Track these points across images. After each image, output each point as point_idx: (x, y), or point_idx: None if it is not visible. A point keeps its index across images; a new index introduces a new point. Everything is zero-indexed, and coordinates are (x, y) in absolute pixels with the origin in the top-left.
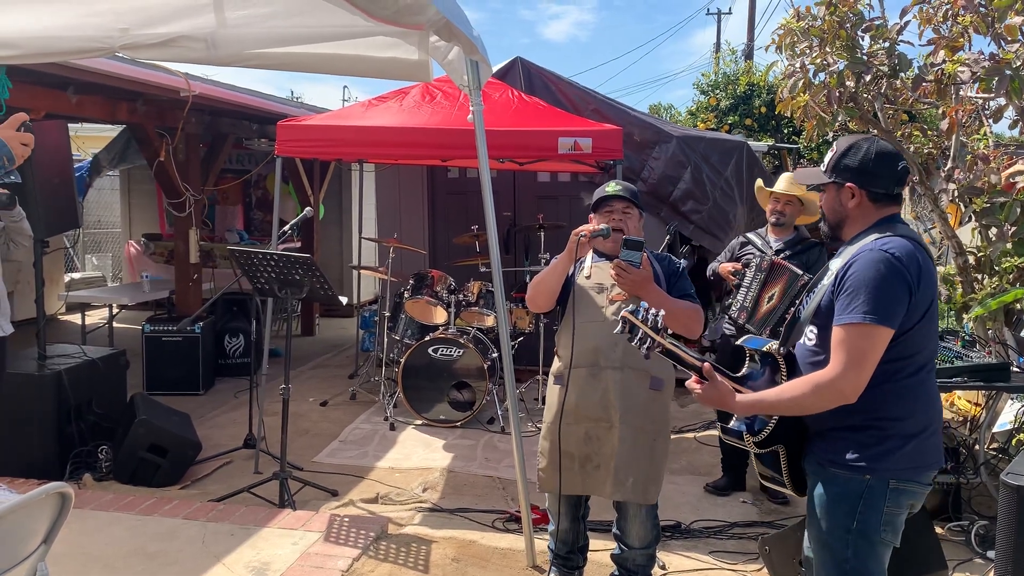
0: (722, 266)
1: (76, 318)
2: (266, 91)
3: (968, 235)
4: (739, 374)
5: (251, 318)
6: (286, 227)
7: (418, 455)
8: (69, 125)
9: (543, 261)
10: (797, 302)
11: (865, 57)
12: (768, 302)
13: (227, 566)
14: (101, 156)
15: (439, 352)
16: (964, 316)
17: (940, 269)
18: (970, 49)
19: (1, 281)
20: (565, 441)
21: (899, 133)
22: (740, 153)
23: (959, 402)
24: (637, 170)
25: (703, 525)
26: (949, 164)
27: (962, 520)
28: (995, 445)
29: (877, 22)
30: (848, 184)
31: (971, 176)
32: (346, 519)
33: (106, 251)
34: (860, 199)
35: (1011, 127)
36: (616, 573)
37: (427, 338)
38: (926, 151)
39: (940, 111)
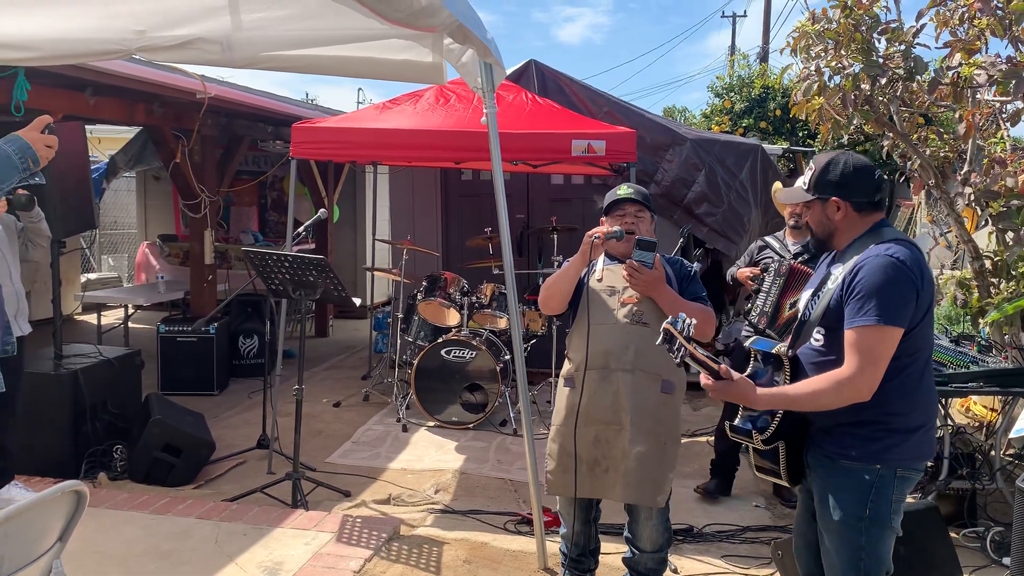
0: (740, 271)
1: (92, 318)
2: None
3: (984, 239)
4: (745, 374)
5: (265, 319)
6: (300, 229)
7: (430, 457)
8: (86, 126)
9: (556, 263)
10: (803, 307)
11: (881, 60)
12: (790, 308)
13: (240, 566)
14: (118, 157)
15: (452, 354)
16: (980, 321)
17: (956, 273)
18: (987, 52)
19: (20, 281)
20: (574, 444)
21: (915, 136)
22: (755, 156)
23: (975, 407)
24: (651, 173)
25: (715, 529)
26: (965, 168)
27: (977, 526)
28: (1011, 451)
29: (893, 25)
30: (833, 198)
31: (988, 180)
32: (358, 520)
33: (122, 252)
34: (845, 211)
35: None
36: None
37: (440, 340)
38: (942, 154)
39: (957, 114)
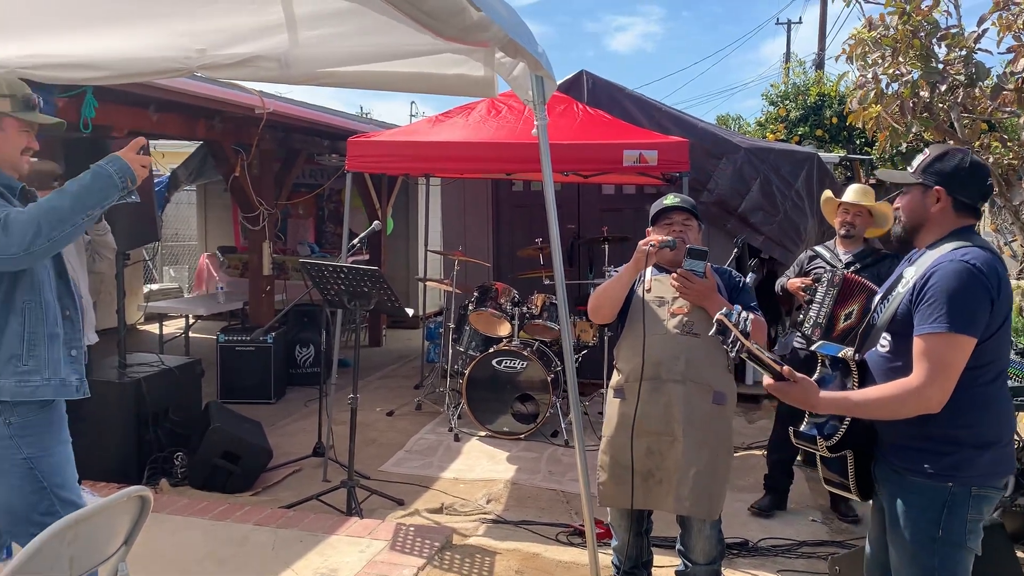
0: (790, 282)
1: (154, 328)
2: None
3: None
4: (812, 379)
5: (321, 329)
6: (355, 240)
7: (482, 466)
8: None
9: (607, 274)
10: (871, 310)
11: (941, 66)
12: (845, 320)
13: (296, 572)
14: (179, 171)
15: (503, 364)
16: None
17: (1021, 283)
18: None
19: (87, 292)
20: (626, 455)
21: (977, 143)
22: (810, 164)
23: None
24: (703, 182)
25: (771, 543)
26: None
27: None
28: None
29: (953, 30)
30: (936, 187)
31: None
32: (411, 528)
33: (183, 263)
34: (945, 204)
35: None
36: None
37: (491, 350)
38: (1006, 162)
39: (1021, 120)
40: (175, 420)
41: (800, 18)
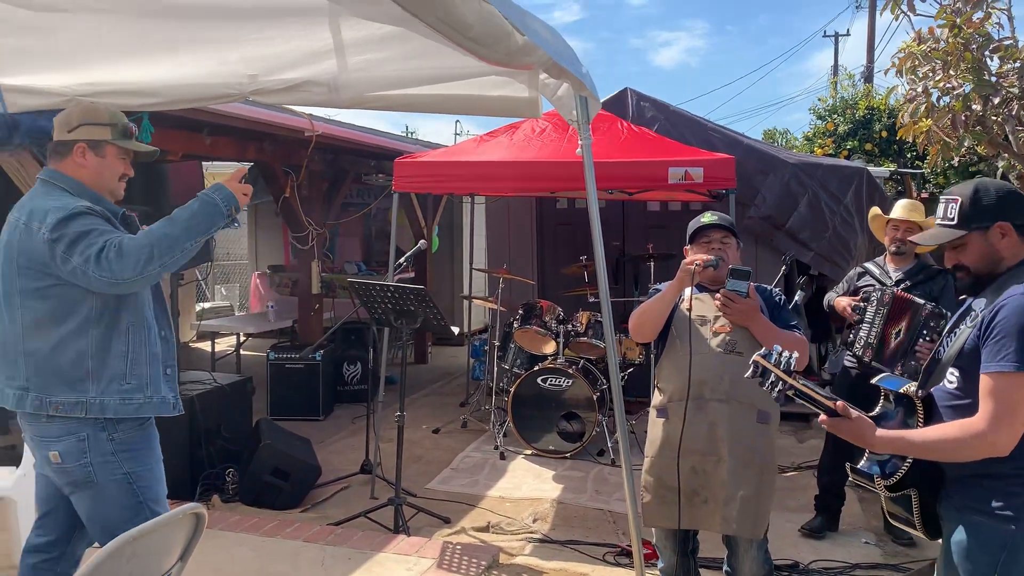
0: (837, 301)
1: (207, 346)
2: (383, 128)
3: None
4: (872, 413)
5: (368, 346)
6: (401, 259)
7: (528, 485)
8: (203, 164)
9: (653, 291)
10: (937, 343)
11: (994, 79)
12: (895, 338)
13: None
14: None
15: (548, 382)
16: None
17: None
18: None
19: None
20: (671, 475)
21: None
22: (860, 179)
23: None
24: (750, 198)
25: (822, 566)
26: None
27: None
28: None
29: (1007, 42)
30: (997, 224)
31: None
32: (458, 547)
33: (234, 282)
34: (1011, 234)
35: None
36: None
37: (536, 368)
38: None
39: None
40: (226, 437)
41: (848, 30)
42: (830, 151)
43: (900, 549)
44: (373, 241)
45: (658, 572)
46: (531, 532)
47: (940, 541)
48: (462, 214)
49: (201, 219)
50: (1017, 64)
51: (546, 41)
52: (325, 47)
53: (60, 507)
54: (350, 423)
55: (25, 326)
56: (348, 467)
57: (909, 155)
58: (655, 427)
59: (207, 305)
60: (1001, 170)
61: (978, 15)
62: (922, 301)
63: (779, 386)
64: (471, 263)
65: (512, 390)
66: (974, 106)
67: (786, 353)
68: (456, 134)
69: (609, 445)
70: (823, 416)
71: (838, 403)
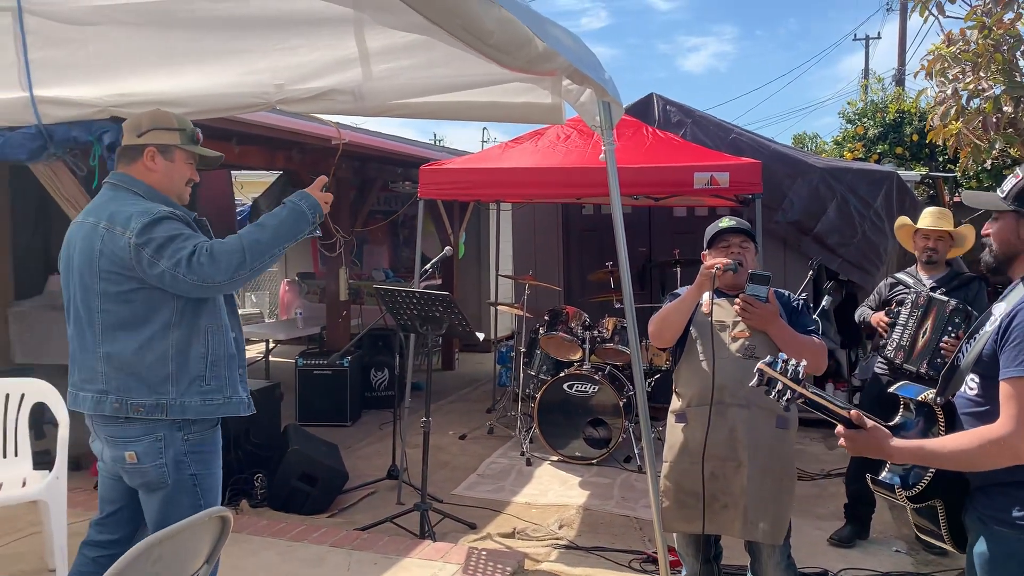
0: (873, 316)
1: None
2: (411, 136)
3: None
4: (891, 423)
5: (395, 353)
6: (427, 266)
7: (554, 491)
8: (232, 172)
9: (670, 296)
10: (961, 340)
11: None
12: (923, 337)
13: None
14: (260, 200)
15: (574, 388)
16: None
17: None
18: None
19: None
20: (691, 480)
21: None
22: (890, 184)
23: None
24: (778, 203)
25: (852, 574)
26: None
27: None
28: None
29: None
30: None
31: None
32: (484, 553)
33: (264, 289)
34: None
35: None
36: None
37: (562, 374)
38: None
39: None
40: (255, 442)
41: (879, 33)
42: (860, 155)
43: (932, 558)
44: (400, 248)
45: None
46: (557, 538)
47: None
48: (489, 221)
49: (289, 226)
50: None
51: (567, 47)
52: (350, 56)
53: (126, 507)
54: (377, 429)
55: (105, 330)
56: (375, 473)
57: (941, 159)
58: (674, 432)
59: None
60: None
61: (1008, 16)
62: (946, 298)
63: (787, 395)
64: (497, 270)
65: (538, 396)
66: (1005, 108)
67: (792, 361)
68: (483, 142)
69: (636, 452)
70: (839, 428)
71: (852, 412)
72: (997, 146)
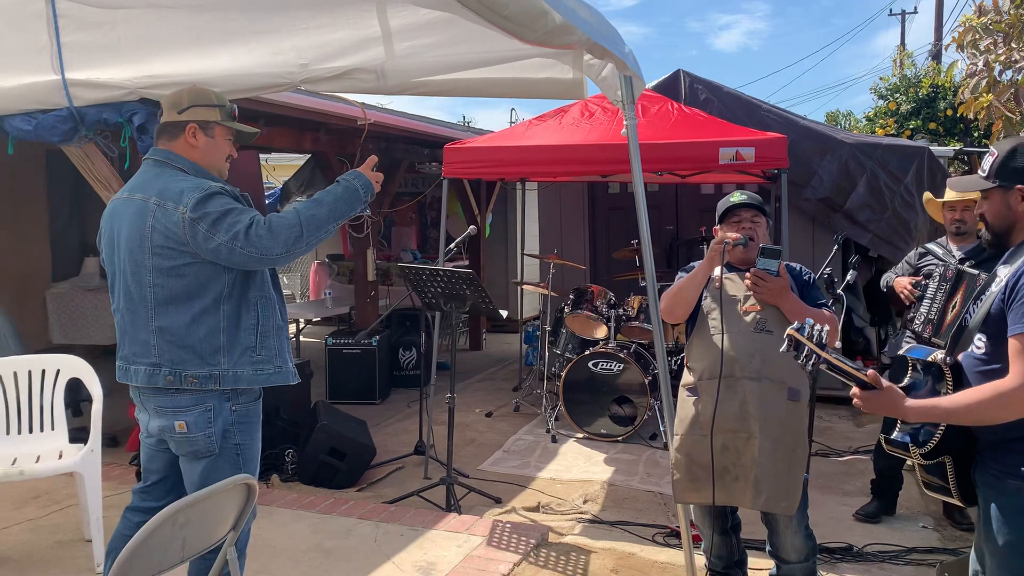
0: (897, 280)
1: None
2: (440, 117)
3: None
4: (901, 384)
5: (422, 332)
6: (451, 245)
7: (579, 467)
8: (260, 155)
9: (680, 273)
10: (964, 311)
11: None
12: (952, 311)
13: (396, 564)
14: (290, 183)
15: (599, 367)
16: None
17: None
18: None
19: None
20: (701, 453)
21: None
22: (921, 159)
23: None
24: (807, 179)
25: (877, 549)
26: None
27: None
28: None
29: None
30: (1018, 187)
31: None
32: (508, 525)
33: (295, 271)
34: None
35: None
36: None
37: (587, 352)
38: None
39: None
40: (286, 419)
41: (916, 8)
42: (892, 131)
43: (959, 534)
44: (428, 229)
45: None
46: (581, 513)
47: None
48: (515, 200)
49: (343, 203)
50: None
51: (585, 20)
52: (373, 34)
53: (168, 477)
54: (405, 407)
55: (157, 304)
56: (402, 449)
57: (976, 134)
58: (685, 405)
59: None
60: None
61: None
62: (976, 271)
63: (812, 359)
64: (523, 249)
65: (564, 374)
66: None
67: (818, 326)
68: (512, 121)
69: (662, 429)
70: (855, 390)
71: (869, 372)
72: None
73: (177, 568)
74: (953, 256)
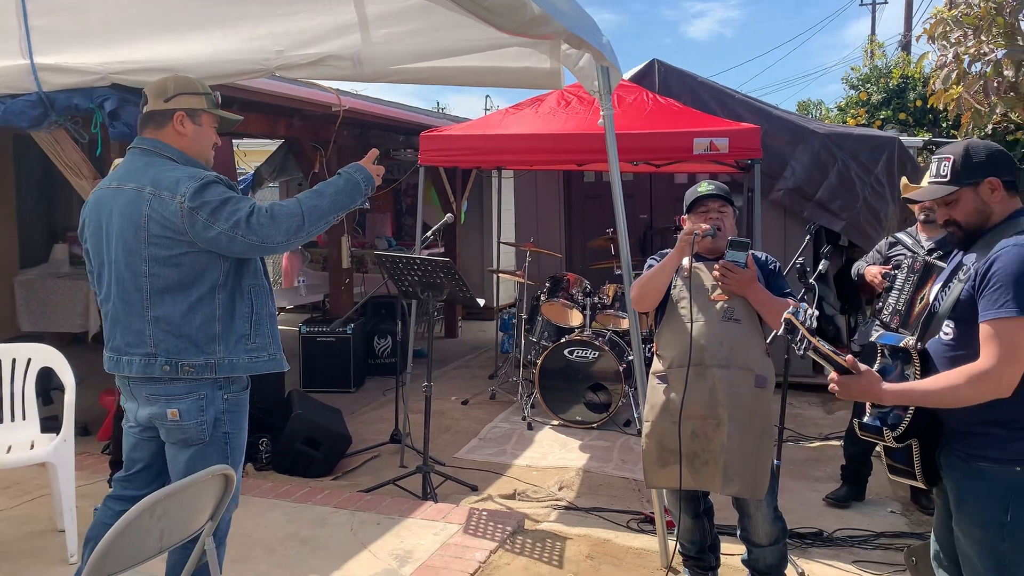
0: (868, 269)
1: None
2: (415, 104)
3: None
4: (874, 370)
5: (398, 320)
6: (428, 233)
7: (554, 454)
8: (233, 140)
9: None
10: (933, 298)
11: None
12: (920, 302)
13: (373, 552)
14: (262, 169)
15: (575, 354)
16: None
17: None
18: None
19: None
20: (671, 438)
21: None
22: (891, 149)
23: None
24: (779, 169)
25: (847, 534)
26: None
27: None
28: None
29: None
30: (987, 179)
31: None
32: (484, 513)
33: (268, 258)
34: (1000, 189)
35: None
36: None
37: (563, 340)
38: None
39: None
40: (260, 408)
41: None
42: (863, 121)
43: (926, 518)
44: (404, 216)
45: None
46: (557, 500)
47: (946, 492)
48: (491, 188)
49: (345, 195)
50: None
51: (563, 11)
52: (350, 21)
53: (154, 465)
54: (381, 395)
55: (153, 293)
56: (378, 437)
57: (945, 124)
58: (655, 392)
59: None
60: None
61: None
62: (944, 265)
63: (804, 343)
64: (499, 237)
65: (539, 362)
66: (1006, 72)
67: (811, 312)
68: (486, 109)
69: (636, 416)
70: (832, 375)
71: (847, 358)
72: (998, 110)
73: (156, 559)
74: (922, 246)
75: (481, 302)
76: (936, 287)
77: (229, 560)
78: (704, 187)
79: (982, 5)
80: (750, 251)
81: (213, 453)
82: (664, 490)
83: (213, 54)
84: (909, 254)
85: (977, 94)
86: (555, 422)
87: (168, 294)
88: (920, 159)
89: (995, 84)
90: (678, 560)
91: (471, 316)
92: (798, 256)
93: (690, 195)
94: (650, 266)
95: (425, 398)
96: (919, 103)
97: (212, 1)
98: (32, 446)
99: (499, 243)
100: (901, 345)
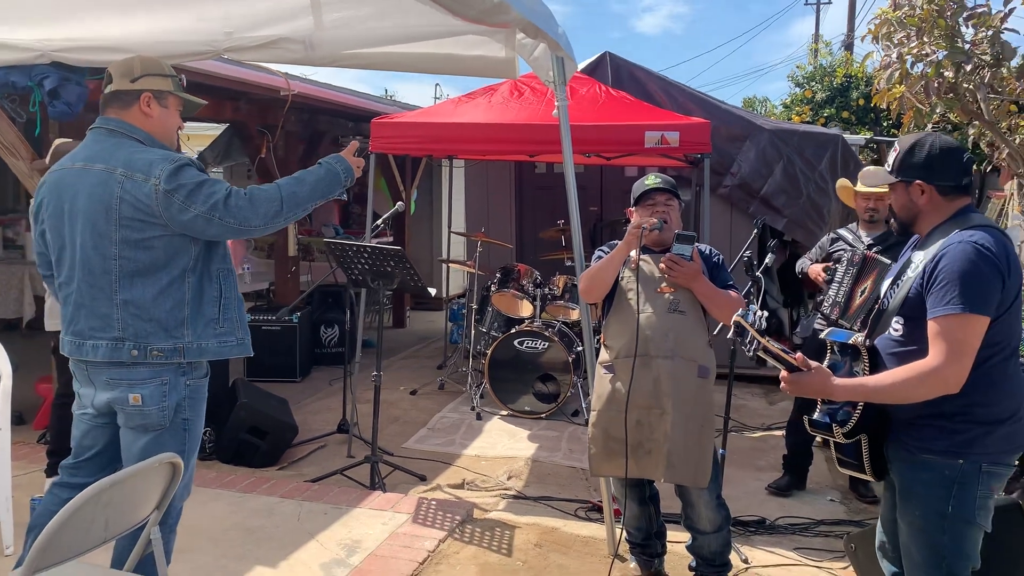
0: (811, 268)
1: None
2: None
3: None
4: (824, 367)
5: (346, 309)
6: (377, 221)
7: (503, 444)
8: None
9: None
10: (873, 295)
11: (967, 46)
12: (861, 295)
13: (320, 542)
14: (206, 153)
15: (525, 345)
16: None
17: None
18: None
19: None
20: (617, 428)
21: (1004, 124)
22: (835, 147)
23: None
24: (727, 164)
25: (788, 522)
26: None
27: None
28: None
29: (980, 10)
30: (916, 181)
31: None
32: (433, 503)
33: None
34: (930, 194)
35: None
36: (694, 564)
37: (513, 331)
38: None
39: None
40: None
41: None
42: (807, 118)
43: (864, 506)
44: (351, 204)
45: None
46: (505, 489)
47: (888, 487)
48: (441, 177)
49: (324, 184)
50: (990, 32)
51: (520, 0)
52: (301, 4)
53: (105, 452)
54: (327, 385)
55: (123, 277)
56: (325, 427)
57: (885, 123)
58: (602, 382)
59: None
60: (972, 137)
61: None
62: (888, 261)
63: (754, 344)
64: (450, 227)
65: (489, 352)
66: (946, 73)
67: (760, 313)
68: (436, 97)
69: (584, 406)
70: (783, 373)
71: (796, 355)
72: (938, 111)
73: (102, 547)
74: (862, 242)
75: (432, 291)
76: (886, 284)
77: (174, 551)
78: (651, 180)
79: (925, 7)
80: (695, 244)
81: (170, 440)
82: (611, 478)
83: (160, 33)
84: (850, 249)
85: (918, 94)
86: (504, 412)
87: (138, 277)
88: (862, 156)
89: (936, 85)
90: (625, 547)
91: (419, 306)
92: (745, 249)
93: (638, 188)
94: (598, 257)
95: (375, 387)
96: (862, 102)
97: None
98: None
99: (449, 233)
100: (851, 342)
